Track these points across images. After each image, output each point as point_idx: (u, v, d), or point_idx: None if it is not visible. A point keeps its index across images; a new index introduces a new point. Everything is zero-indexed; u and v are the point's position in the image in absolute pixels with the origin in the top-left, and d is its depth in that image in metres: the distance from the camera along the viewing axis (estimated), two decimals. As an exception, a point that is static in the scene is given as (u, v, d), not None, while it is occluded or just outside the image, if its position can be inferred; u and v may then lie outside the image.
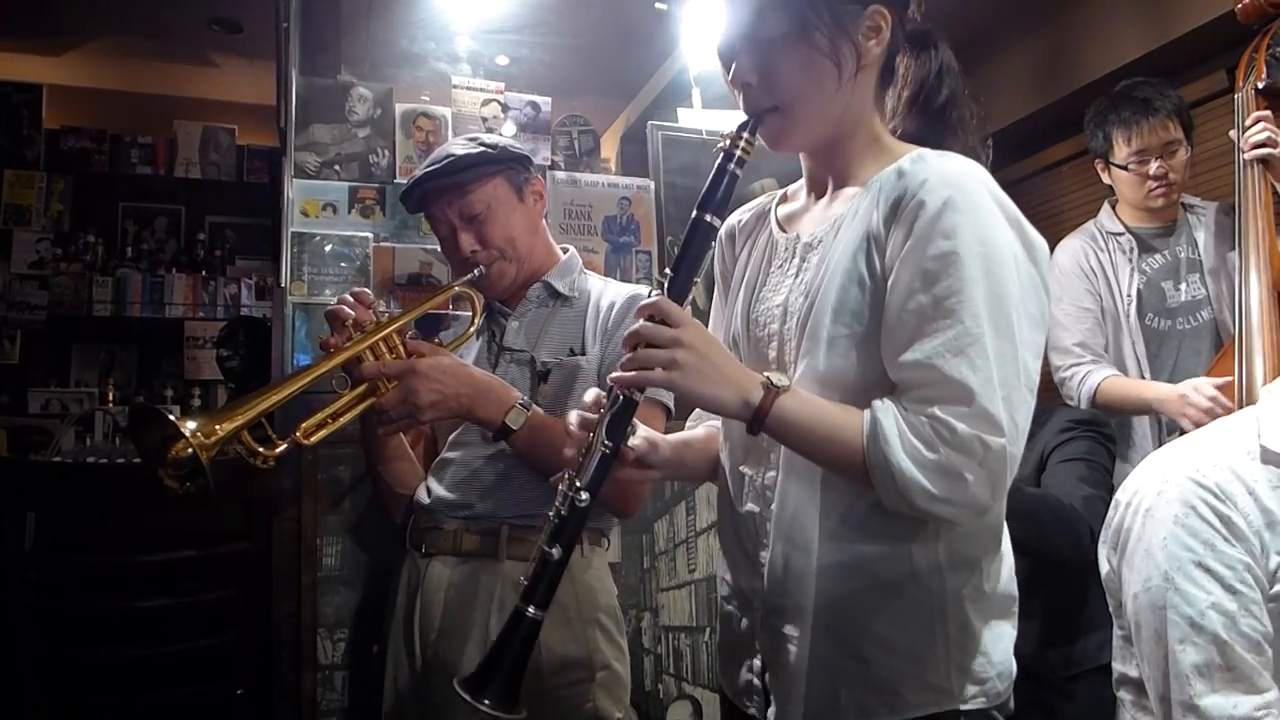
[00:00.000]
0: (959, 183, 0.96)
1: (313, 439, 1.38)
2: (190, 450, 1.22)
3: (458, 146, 1.61)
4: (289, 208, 2.20)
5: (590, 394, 1.09)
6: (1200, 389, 1.92)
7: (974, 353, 0.91)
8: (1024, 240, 0.98)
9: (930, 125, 1.12)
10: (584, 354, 1.56)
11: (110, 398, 3.81)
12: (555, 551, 1.02)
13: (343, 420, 1.42)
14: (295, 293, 2.13)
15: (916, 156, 1.02)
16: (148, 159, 4.29)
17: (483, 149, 1.59)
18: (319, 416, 1.39)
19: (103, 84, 4.25)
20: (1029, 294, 0.96)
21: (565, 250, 1.72)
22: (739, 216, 1.29)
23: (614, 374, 1.01)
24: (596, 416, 1.03)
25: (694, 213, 1.04)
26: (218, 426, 1.25)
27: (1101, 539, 1.34)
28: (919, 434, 0.91)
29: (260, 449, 1.33)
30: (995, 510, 0.96)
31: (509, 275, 1.62)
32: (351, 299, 1.47)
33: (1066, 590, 1.68)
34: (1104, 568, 1.33)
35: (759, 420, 0.96)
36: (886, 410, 0.94)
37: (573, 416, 1.07)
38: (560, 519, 1.03)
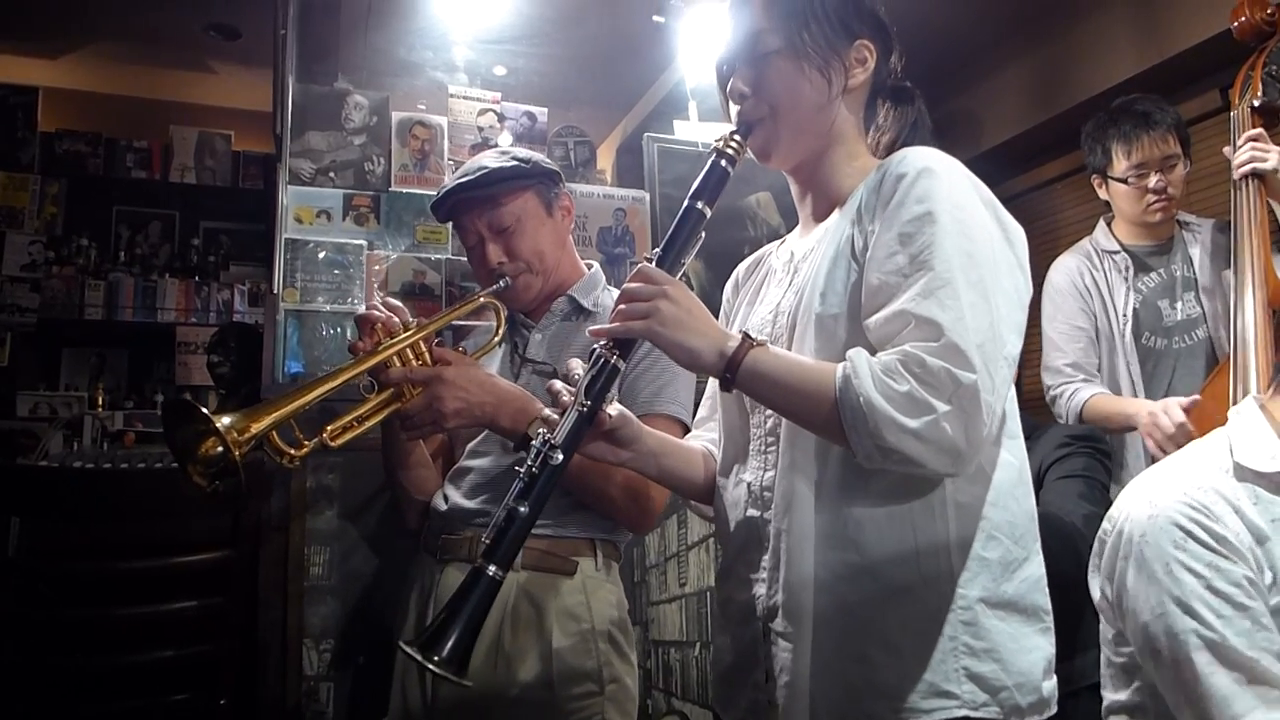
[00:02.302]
0: (936, 157, 1.02)
1: (338, 441, 1.38)
2: (221, 448, 1.22)
3: (490, 159, 1.62)
4: (283, 214, 2.20)
5: (574, 363, 1.10)
6: (1169, 411, 1.89)
7: (943, 295, 0.93)
8: (999, 222, 1.01)
9: None
10: None
11: (100, 402, 3.80)
12: (523, 509, 1.02)
13: (368, 424, 1.42)
14: (288, 299, 2.12)
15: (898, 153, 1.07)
16: (143, 163, 4.28)
17: (516, 163, 1.61)
18: (345, 419, 1.40)
19: (99, 88, 4.25)
20: (1004, 270, 0.98)
21: (590, 265, 1.73)
22: (742, 266, 1.33)
23: (595, 328, 1.05)
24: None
25: (686, 200, 1.10)
26: (252, 424, 1.25)
27: (1092, 566, 1.33)
28: (890, 370, 0.92)
29: (288, 449, 1.33)
30: (969, 456, 0.92)
31: (534, 288, 1.63)
32: (381, 304, 1.47)
33: (1064, 607, 1.67)
34: (1096, 595, 1.31)
35: (732, 370, 0.98)
36: (860, 355, 0.95)
37: (557, 383, 1.09)
38: (531, 476, 1.03)
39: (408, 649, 0.95)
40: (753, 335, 1.01)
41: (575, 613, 1.47)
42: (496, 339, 1.60)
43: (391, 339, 1.44)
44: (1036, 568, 1.05)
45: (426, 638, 0.96)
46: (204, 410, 1.23)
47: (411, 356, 1.45)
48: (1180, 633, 1.14)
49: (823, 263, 1.07)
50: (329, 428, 1.38)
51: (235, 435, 1.22)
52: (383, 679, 1.58)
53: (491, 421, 1.43)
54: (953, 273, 0.93)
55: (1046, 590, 1.05)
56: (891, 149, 1.17)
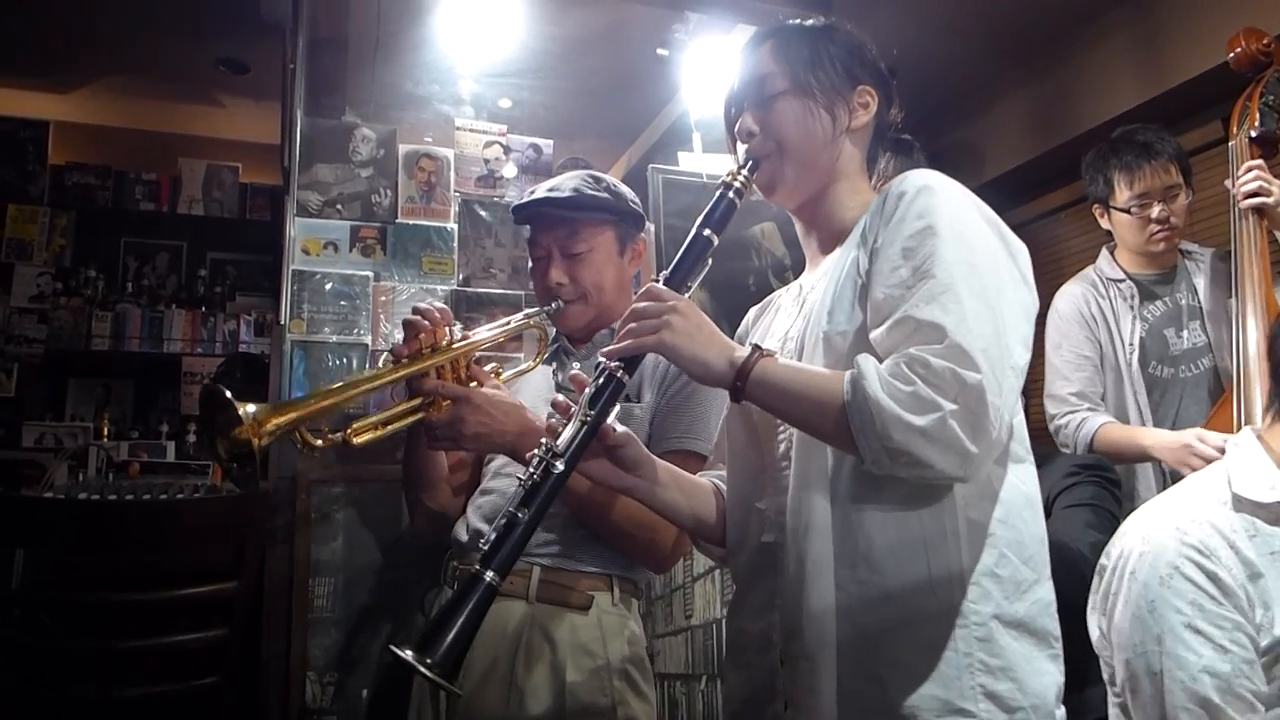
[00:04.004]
0: (936, 177, 1.05)
1: (360, 439, 1.40)
2: (247, 436, 1.24)
3: (583, 183, 1.63)
4: (290, 245, 2.21)
5: (574, 370, 1.12)
6: (1206, 439, 1.88)
7: (945, 299, 0.94)
8: (1001, 238, 1.03)
9: None
10: (639, 401, 1.55)
11: (105, 433, 3.79)
12: (522, 515, 1.02)
13: (391, 428, 1.44)
14: (294, 330, 2.12)
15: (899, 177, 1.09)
16: (151, 195, 4.32)
17: (606, 196, 1.62)
18: (371, 420, 1.43)
19: (109, 121, 4.30)
20: (1007, 282, 0.99)
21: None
22: (753, 310, 1.35)
23: (607, 348, 1.06)
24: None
25: (694, 227, 1.13)
26: (275, 419, 1.28)
27: (1090, 604, 1.31)
28: (895, 373, 0.93)
29: (311, 440, 1.36)
30: (977, 459, 0.92)
31: (584, 318, 1.64)
32: (428, 310, 1.48)
33: (1074, 637, 1.65)
34: (1094, 633, 1.30)
35: (742, 378, 0.99)
36: (867, 360, 0.96)
37: (559, 396, 1.11)
38: (533, 484, 1.04)
39: (399, 652, 0.95)
40: (762, 347, 1.02)
41: (589, 648, 1.45)
42: (535, 364, 1.61)
43: (435, 348, 1.45)
44: (1047, 592, 1.04)
45: (420, 641, 0.96)
46: (229, 396, 1.25)
47: (449, 369, 1.47)
48: (1159, 671, 1.13)
49: (830, 286, 1.09)
50: (354, 424, 1.40)
51: (255, 425, 1.25)
52: (391, 712, 1.56)
53: (510, 450, 1.44)
54: (954, 280, 0.95)
55: (1057, 617, 1.04)
56: None
